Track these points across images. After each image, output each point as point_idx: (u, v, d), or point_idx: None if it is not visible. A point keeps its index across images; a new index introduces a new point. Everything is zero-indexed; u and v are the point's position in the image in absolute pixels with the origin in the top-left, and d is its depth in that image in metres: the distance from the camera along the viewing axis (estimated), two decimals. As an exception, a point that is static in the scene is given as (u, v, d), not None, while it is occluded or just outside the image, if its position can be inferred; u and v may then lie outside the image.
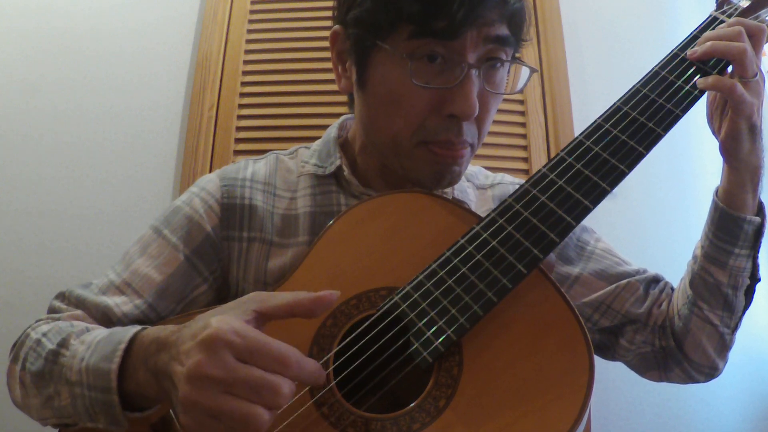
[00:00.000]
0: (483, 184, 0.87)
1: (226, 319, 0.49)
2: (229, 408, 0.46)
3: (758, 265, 0.74)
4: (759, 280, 0.75)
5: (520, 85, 0.75)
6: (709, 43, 0.64)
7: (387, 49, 0.67)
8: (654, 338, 0.80)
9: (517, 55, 0.73)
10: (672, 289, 0.82)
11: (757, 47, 0.66)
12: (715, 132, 0.71)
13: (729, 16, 0.68)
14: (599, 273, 0.82)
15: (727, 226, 0.71)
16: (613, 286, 0.81)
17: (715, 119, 0.71)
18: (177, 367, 0.49)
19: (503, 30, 0.67)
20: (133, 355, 0.57)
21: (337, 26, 0.74)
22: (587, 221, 0.65)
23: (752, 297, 0.75)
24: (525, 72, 0.75)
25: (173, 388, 0.49)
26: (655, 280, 0.83)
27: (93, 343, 0.60)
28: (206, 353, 0.47)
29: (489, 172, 0.90)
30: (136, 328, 0.59)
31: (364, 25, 0.68)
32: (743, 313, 0.76)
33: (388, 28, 0.66)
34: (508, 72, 0.74)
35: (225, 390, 0.46)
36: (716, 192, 0.73)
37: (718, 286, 0.73)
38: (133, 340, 0.57)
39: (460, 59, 0.65)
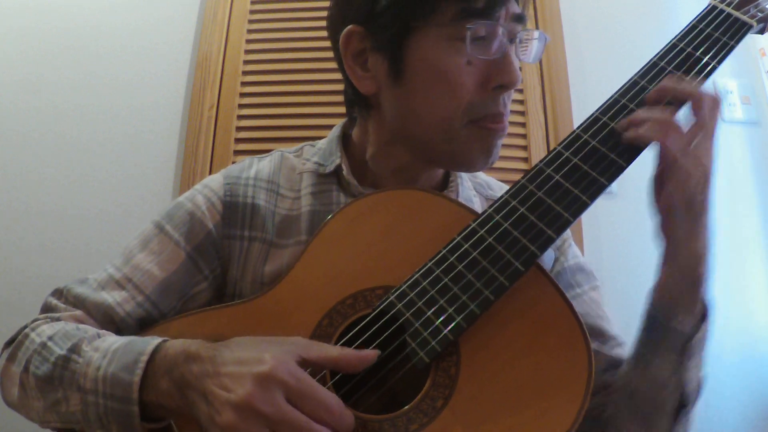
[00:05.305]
0: (493, 195, 0.85)
1: (282, 358, 0.52)
2: None
3: (686, 385, 0.61)
4: (686, 405, 0.62)
5: (534, 57, 0.74)
6: (664, 81, 0.61)
7: (428, 31, 0.67)
8: None
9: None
10: None
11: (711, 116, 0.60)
12: (655, 212, 0.62)
13: (728, 5, 0.66)
14: None
15: (650, 327, 0.62)
16: None
17: (657, 198, 0.61)
18: (217, 389, 0.51)
19: (520, 8, 0.69)
20: (156, 366, 0.57)
21: (351, 26, 0.72)
22: (589, 220, 0.64)
23: (684, 425, 0.63)
24: (533, 48, 0.75)
25: (208, 406, 0.51)
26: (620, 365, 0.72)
27: (110, 352, 0.59)
28: (259, 388, 0.49)
29: (503, 184, 0.89)
30: (157, 339, 0.59)
31: (399, 9, 0.68)
32: None
33: (429, 9, 0.66)
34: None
35: (270, 427, 0.49)
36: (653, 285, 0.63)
37: (635, 395, 0.63)
38: (154, 351, 0.58)
39: (496, 35, 0.67)
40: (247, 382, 0.50)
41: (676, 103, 0.61)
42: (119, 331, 0.68)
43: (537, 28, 1.70)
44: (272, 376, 0.50)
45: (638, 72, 0.65)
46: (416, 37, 0.68)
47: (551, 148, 0.62)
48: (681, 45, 0.65)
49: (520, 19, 0.69)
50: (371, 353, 0.56)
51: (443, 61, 0.67)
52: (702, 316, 0.61)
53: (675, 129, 0.58)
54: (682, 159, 0.57)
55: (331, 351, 0.56)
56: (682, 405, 0.62)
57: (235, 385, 0.50)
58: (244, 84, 1.68)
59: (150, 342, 0.59)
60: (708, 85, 0.62)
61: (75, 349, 0.61)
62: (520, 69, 0.72)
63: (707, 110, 0.59)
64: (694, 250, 0.59)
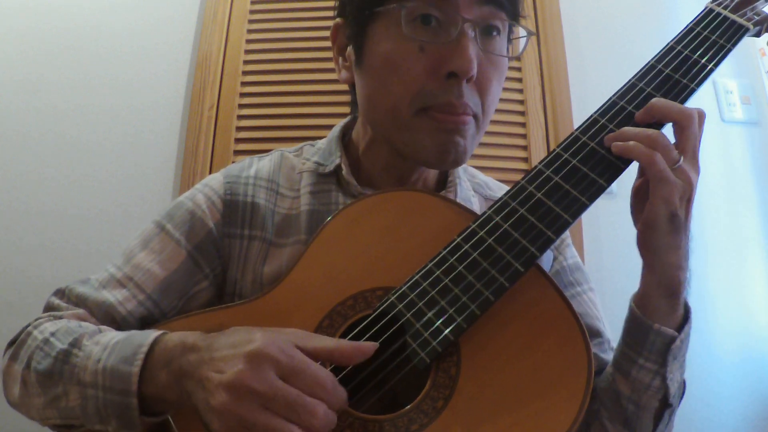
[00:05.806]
0: (492, 195, 0.85)
1: (272, 337, 0.51)
2: (265, 422, 0.47)
3: (669, 387, 0.62)
4: (670, 405, 0.64)
5: (517, 50, 0.73)
6: (653, 100, 0.61)
7: (382, 16, 0.67)
8: None
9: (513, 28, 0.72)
10: None
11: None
12: (636, 222, 0.63)
13: (725, 8, 0.66)
14: None
15: (633, 331, 0.63)
16: None
17: (638, 208, 0.62)
18: (211, 373, 0.50)
19: None
20: (155, 358, 0.57)
21: (338, 19, 0.75)
22: (589, 220, 0.64)
23: (666, 426, 0.65)
24: (523, 44, 0.73)
25: (203, 392, 0.50)
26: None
27: (110, 345, 0.59)
28: (250, 366, 0.49)
29: (502, 184, 0.88)
30: (157, 332, 0.59)
31: None
32: None
33: None
34: (507, 48, 0.73)
35: (263, 404, 0.48)
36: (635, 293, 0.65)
37: (618, 397, 0.64)
38: (154, 344, 0.58)
39: (454, 18, 0.65)
40: (239, 361, 0.49)
41: (664, 121, 0.61)
42: (120, 330, 0.68)
43: (537, 28, 1.71)
44: (262, 353, 0.49)
45: (636, 74, 0.66)
46: (377, 23, 0.69)
47: (551, 149, 0.63)
48: (678, 48, 0.65)
49: (495, 2, 0.67)
50: (369, 344, 0.55)
51: (393, 46, 0.67)
52: (683, 319, 0.63)
53: (663, 145, 0.58)
54: (669, 174, 0.57)
55: (327, 342, 0.55)
56: (666, 406, 0.64)
57: (227, 366, 0.50)
58: (244, 84, 1.68)
59: (150, 335, 0.59)
60: (706, 86, 0.62)
61: (76, 343, 0.61)
62: (520, 69, 0.71)
63: (693, 127, 0.59)
64: (674, 260, 0.60)
